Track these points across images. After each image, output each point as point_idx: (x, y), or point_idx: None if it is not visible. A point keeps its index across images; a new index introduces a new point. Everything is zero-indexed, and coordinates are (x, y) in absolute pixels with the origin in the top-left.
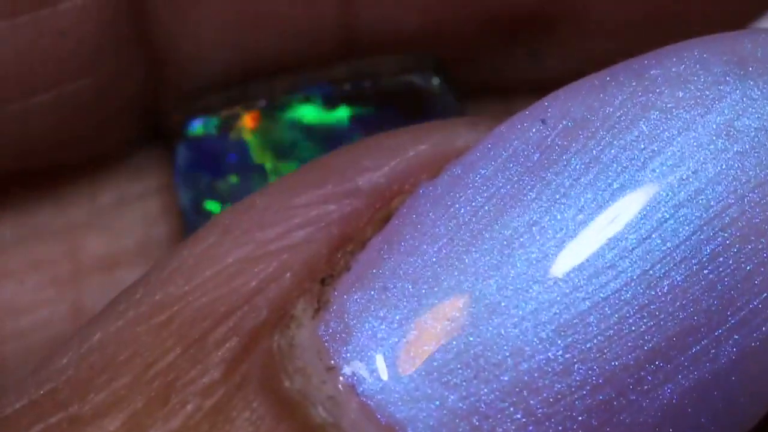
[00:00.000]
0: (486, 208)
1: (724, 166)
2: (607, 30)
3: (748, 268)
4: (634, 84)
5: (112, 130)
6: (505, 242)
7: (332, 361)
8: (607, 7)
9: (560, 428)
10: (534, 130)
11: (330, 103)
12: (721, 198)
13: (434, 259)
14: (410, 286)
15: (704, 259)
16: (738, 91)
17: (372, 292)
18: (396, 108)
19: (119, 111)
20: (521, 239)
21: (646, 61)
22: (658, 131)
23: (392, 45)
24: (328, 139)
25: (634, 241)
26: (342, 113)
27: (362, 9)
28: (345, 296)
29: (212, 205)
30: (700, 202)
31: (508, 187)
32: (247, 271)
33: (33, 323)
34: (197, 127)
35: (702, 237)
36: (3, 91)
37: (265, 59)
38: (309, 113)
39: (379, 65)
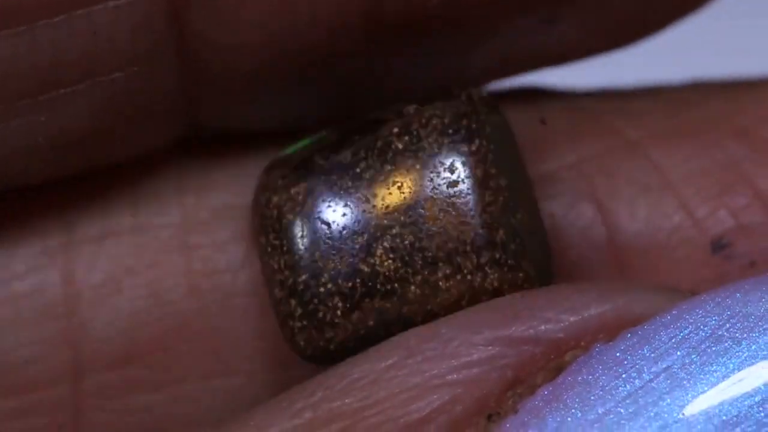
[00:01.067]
0: (654, 383)
1: None
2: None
3: None
4: None
5: (147, 130)
6: (667, 421)
7: None
8: None
9: None
10: (714, 318)
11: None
12: None
13: (597, 422)
14: None
15: None
16: None
17: None
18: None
19: (154, 111)
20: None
21: None
22: None
23: (415, 24)
24: None
25: None
26: None
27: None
28: None
29: None
30: None
31: (679, 365)
32: (423, 397)
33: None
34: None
35: None
36: (36, 88)
37: (294, 53)
38: None
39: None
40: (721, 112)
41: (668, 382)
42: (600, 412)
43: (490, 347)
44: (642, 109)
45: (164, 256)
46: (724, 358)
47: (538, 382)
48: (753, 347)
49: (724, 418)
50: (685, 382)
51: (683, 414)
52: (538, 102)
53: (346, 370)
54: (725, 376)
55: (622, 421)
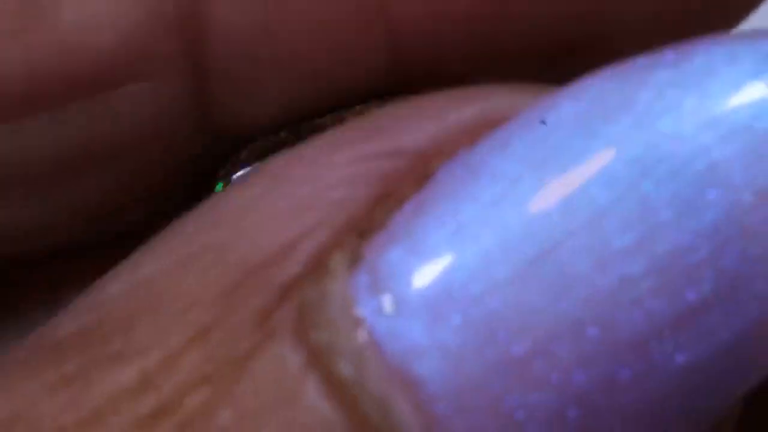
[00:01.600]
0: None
1: None
2: (642, 43)
3: None
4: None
5: (170, 194)
6: None
7: (360, 315)
8: (630, 30)
9: None
10: (569, 105)
11: None
12: None
13: (462, 224)
14: None
15: None
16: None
17: (402, 252)
18: None
19: (176, 179)
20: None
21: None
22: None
23: (434, 78)
24: None
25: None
26: None
27: (406, 47)
28: (378, 251)
29: None
30: None
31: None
32: (289, 222)
33: None
34: (218, 186)
35: None
36: (57, 168)
37: (318, 99)
38: None
39: None
40: None
41: (531, 172)
42: (464, 215)
43: (353, 165)
44: None
45: None
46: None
47: (406, 193)
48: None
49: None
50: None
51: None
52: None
53: (215, 202)
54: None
55: (487, 221)
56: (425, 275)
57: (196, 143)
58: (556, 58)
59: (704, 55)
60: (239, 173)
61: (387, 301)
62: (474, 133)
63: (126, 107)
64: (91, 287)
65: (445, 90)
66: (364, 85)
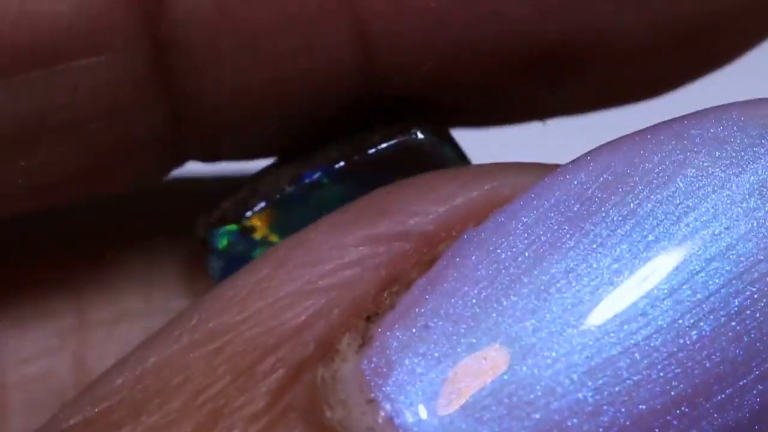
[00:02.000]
0: (526, 254)
1: (755, 224)
2: (630, 57)
3: None
4: (673, 143)
5: (133, 168)
6: (542, 287)
7: (372, 395)
8: (632, 32)
9: None
10: (576, 182)
11: (335, 181)
12: (751, 254)
13: (474, 301)
14: (450, 326)
15: (732, 312)
16: None
17: (414, 330)
18: (394, 170)
19: (138, 152)
20: (558, 285)
21: (686, 122)
22: (694, 188)
23: (410, 87)
24: None
25: (666, 291)
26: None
27: (380, 52)
28: (388, 333)
29: None
30: (731, 257)
31: (548, 235)
32: (298, 305)
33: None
34: (220, 239)
35: (731, 290)
36: (15, 135)
37: (286, 108)
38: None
39: (371, 135)
40: None
41: (540, 251)
42: (475, 291)
43: (360, 247)
44: None
45: None
46: (589, 223)
47: (413, 277)
48: (621, 208)
49: (593, 282)
50: (553, 249)
51: (555, 282)
52: None
53: (221, 290)
54: (594, 242)
55: (500, 297)
56: (431, 360)
57: (156, 118)
58: (540, 65)
59: None
60: (215, 239)
61: (395, 385)
62: (480, 215)
63: (84, 80)
64: (93, 381)
65: (442, 171)
66: (327, 76)
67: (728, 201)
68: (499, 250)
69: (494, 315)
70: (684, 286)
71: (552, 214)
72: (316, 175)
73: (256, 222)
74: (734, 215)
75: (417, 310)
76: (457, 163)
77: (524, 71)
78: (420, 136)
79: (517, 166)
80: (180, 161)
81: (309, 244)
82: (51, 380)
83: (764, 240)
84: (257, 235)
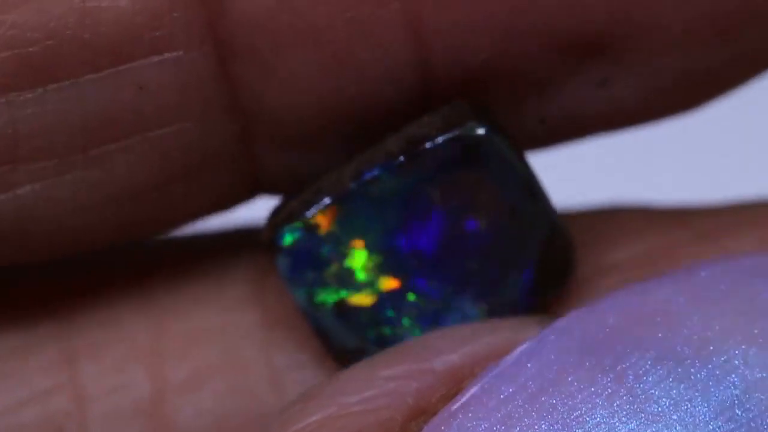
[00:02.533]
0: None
1: None
2: (674, 46)
3: None
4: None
5: (206, 187)
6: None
7: None
8: (674, 18)
9: None
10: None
11: (394, 175)
12: None
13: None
14: None
15: None
16: None
17: None
18: (453, 164)
19: (210, 168)
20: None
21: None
22: None
23: (466, 79)
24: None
25: None
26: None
27: (435, 45)
28: None
29: (323, 295)
30: None
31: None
32: (329, 428)
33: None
34: (286, 237)
35: None
36: (86, 142)
37: (349, 108)
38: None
39: (425, 126)
40: None
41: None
42: (492, 420)
43: (389, 381)
44: None
45: (247, 352)
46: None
47: (438, 408)
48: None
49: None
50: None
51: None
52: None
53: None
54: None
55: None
56: None
57: (226, 127)
58: (585, 59)
59: None
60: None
61: None
62: (500, 356)
63: (150, 80)
64: None
65: None
66: (384, 72)
67: None
68: (512, 388)
69: None
70: None
71: (555, 359)
72: (377, 172)
73: (321, 219)
74: None
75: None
76: (511, 155)
77: (571, 61)
78: (477, 131)
79: (538, 318)
80: (252, 187)
81: (339, 380)
82: (128, 392)
83: None
84: (322, 231)
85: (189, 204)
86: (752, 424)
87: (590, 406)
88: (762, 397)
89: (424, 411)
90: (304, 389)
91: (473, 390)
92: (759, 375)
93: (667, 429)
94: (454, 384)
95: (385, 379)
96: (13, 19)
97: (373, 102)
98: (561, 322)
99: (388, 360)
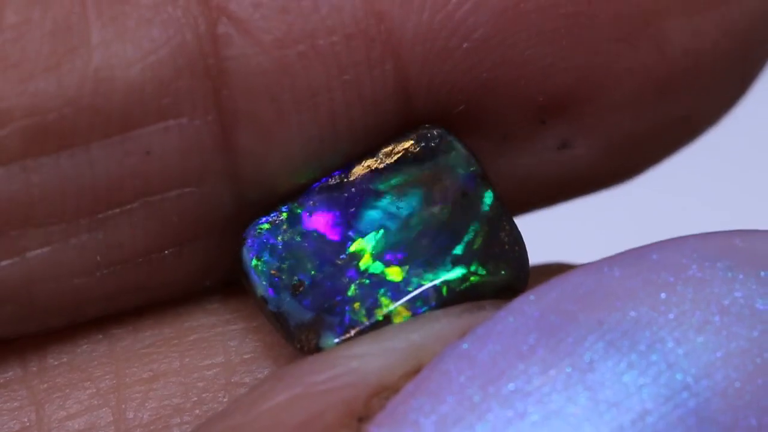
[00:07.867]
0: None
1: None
2: (631, 105)
3: None
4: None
5: (202, 255)
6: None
7: None
8: (626, 78)
9: None
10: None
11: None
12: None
13: (455, 404)
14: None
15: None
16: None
17: (403, 426)
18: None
19: (208, 234)
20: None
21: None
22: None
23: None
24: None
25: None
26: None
27: (418, 102)
28: (379, 429)
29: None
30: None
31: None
32: (296, 406)
33: None
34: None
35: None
36: (94, 206)
37: (341, 162)
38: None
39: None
40: None
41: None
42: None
43: (351, 360)
44: None
45: (210, 394)
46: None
47: (400, 385)
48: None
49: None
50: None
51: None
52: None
53: (227, 407)
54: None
55: (476, 406)
56: None
57: (225, 192)
58: (549, 112)
59: None
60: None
61: None
62: (460, 335)
63: (156, 145)
64: None
65: None
66: (374, 127)
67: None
68: (478, 358)
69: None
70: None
71: (512, 341)
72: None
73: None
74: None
75: (404, 407)
76: (468, 154)
77: (535, 119)
78: (434, 130)
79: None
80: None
81: (305, 362)
82: None
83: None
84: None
85: (184, 274)
86: (700, 410)
87: (547, 390)
88: (710, 383)
89: (386, 387)
90: None
91: (435, 368)
92: (708, 360)
93: (619, 415)
94: (416, 362)
95: (349, 358)
96: (35, 87)
97: (361, 150)
98: (518, 303)
99: (353, 341)
